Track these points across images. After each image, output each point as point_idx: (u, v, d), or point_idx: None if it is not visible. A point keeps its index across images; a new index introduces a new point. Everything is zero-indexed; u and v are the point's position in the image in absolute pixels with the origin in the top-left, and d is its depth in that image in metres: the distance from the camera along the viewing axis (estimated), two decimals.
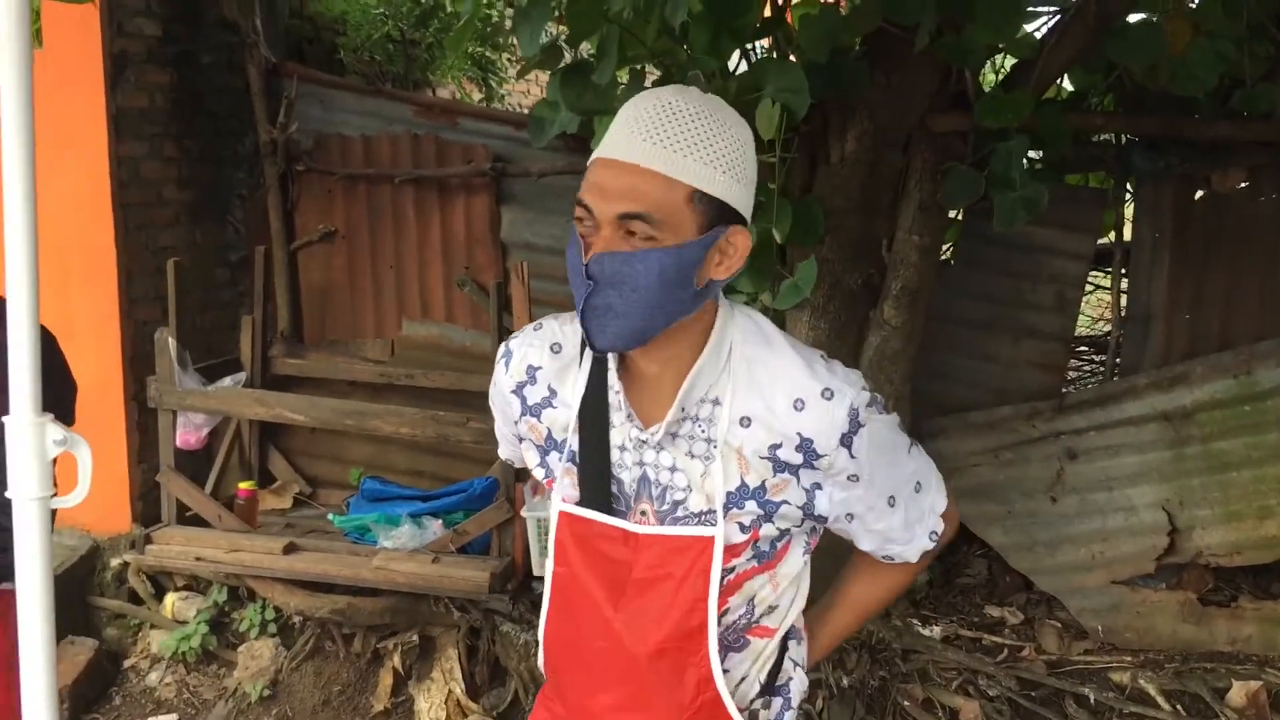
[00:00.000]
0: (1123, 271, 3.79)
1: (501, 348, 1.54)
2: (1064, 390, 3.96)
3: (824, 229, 3.34)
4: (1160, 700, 3.40)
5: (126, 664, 4.03)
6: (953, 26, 3.08)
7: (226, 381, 4.10)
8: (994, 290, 3.87)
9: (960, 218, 3.92)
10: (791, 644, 1.59)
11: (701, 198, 1.28)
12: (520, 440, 1.56)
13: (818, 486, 1.42)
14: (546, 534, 3.50)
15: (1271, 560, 3.60)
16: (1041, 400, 3.76)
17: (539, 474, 1.55)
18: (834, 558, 1.73)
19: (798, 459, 1.39)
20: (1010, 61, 3.88)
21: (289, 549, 3.73)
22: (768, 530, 1.43)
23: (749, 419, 1.39)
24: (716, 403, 1.40)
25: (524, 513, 3.51)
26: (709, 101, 1.32)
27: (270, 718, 3.77)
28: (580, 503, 1.45)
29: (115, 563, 4.14)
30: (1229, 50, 3.09)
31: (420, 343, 4.55)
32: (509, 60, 5.88)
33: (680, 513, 1.41)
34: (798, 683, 1.59)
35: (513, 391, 1.51)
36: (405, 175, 4.37)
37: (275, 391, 4.11)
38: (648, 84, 3.44)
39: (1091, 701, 3.40)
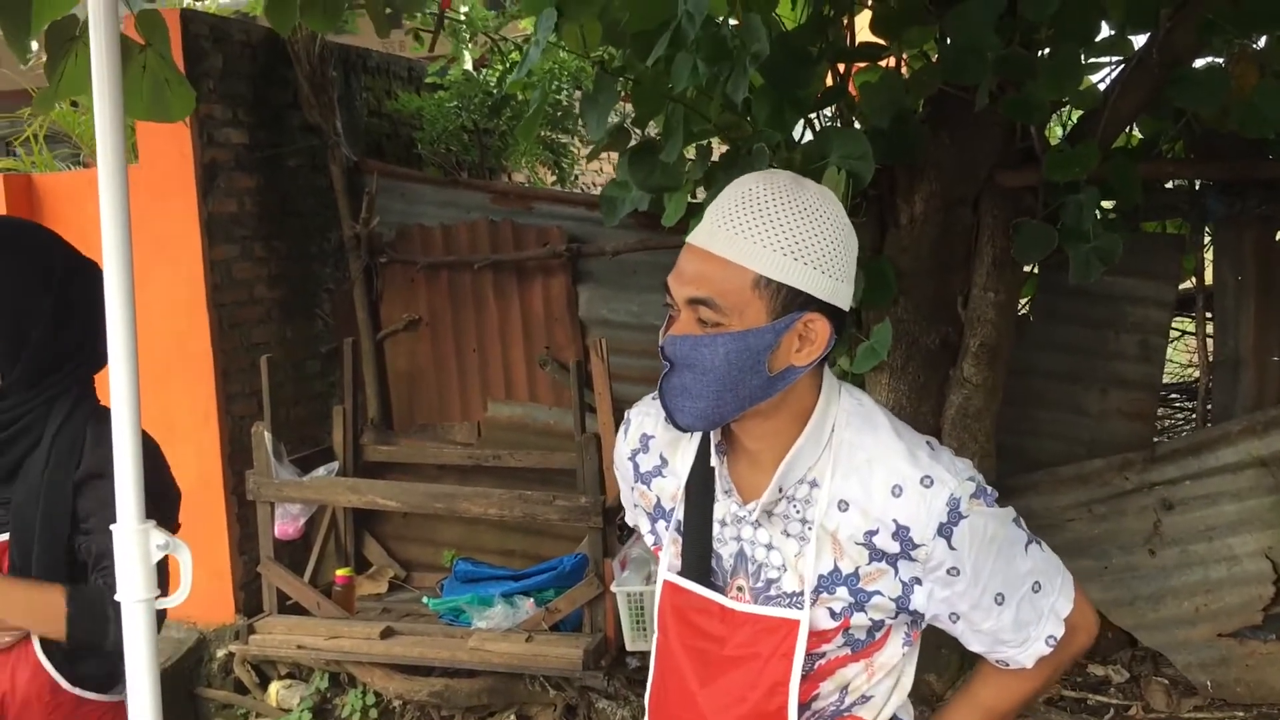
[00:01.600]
0: (1208, 316, 3.73)
1: (625, 417, 1.58)
2: (1155, 440, 3.88)
3: (896, 290, 3.35)
4: None
5: None
6: (1014, 84, 3.10)
7: (320, 471, 4.22)
8: (1077, 341, 3.84)
9: (1036, 271, 3.90)
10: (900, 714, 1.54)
11: (768, 284, 1.28)
12: (635, 506, 1.60)
13: (916, 582, 1.37)
14: (638, 608, 3.53)
15: None
16: (1133, 451, 3.69)
17: (649, 540, 1.58)
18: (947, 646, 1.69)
19: (894, 548, 1.36)
20: (1076, 114, 3.89)
21: (386, 633, 3.80)
22: (859, 619, 1.39)
23: (846, 503, 1.37)
24: (814, 484, 1.39)
25: (614, 588, 3.53)
26: (797, 187, 1.32)
27: None
28: (682, 573, 1.46)
29: (221, 654, 4.25)
30: None
31: (505, 423, 4.63)
32: (579, 142, 6.02)
33: (773, 591, 1.40)
34: None
35: (628, 460, 1.55)
36: (484, 261, 4.49)
37: (367, 479, 4.21)
38: (714, 158, 3.52)
39: None
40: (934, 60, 3.36)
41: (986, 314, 3.39)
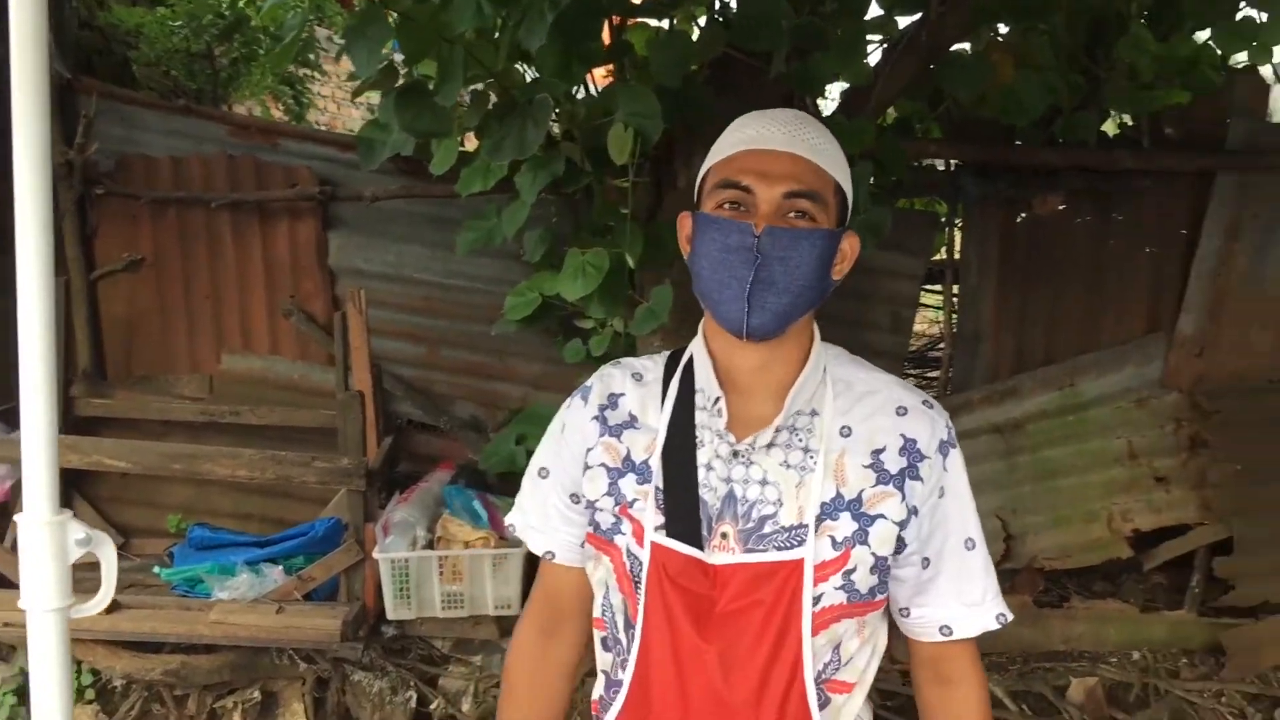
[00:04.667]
0: (954, 291, 3.95)
1: (578, 389, 1.54)
2: None
3: (674, 253, 3.33)
4: (1007, 701, 3.55)
5: None
6: (797, 54, 3.13)
7: None
8: (832, 311, 3.93)
9: None
10: (862, 702, 1.50)
11: (839, 192, 1.37)
12: (585, 470, 1.49)
13: (914, 512, 1.39)
14: (402, 575, 3.36)
15: (1098, 562, 3.83)
16: None
17: (607, 503, 1.46)
18: None
19: (901, 463, 1.39)
20: (841, 88, 4.00)
21: (112, 607, 3.41)
22: (861, 555, 1.37)
23: (849, 429, 1.41)
24: (814, 414, 1.41)
25: (376, 554, 3.34)
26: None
27: None
28: (666, 530, 1.40)
29: None
30: (1055, 81, 3.27)
31: (243, 377, 4.27)
32: (318, 76, 5.63)
33: (767, 529, 1.37)
34: None
35: (593, 419, 1.50)
36: (222, 199, 4.10)
37: (90, 437, 3.77)
38: (489, 107, 3.36)
39: None
40: (721, 22, 3.34)
41: None
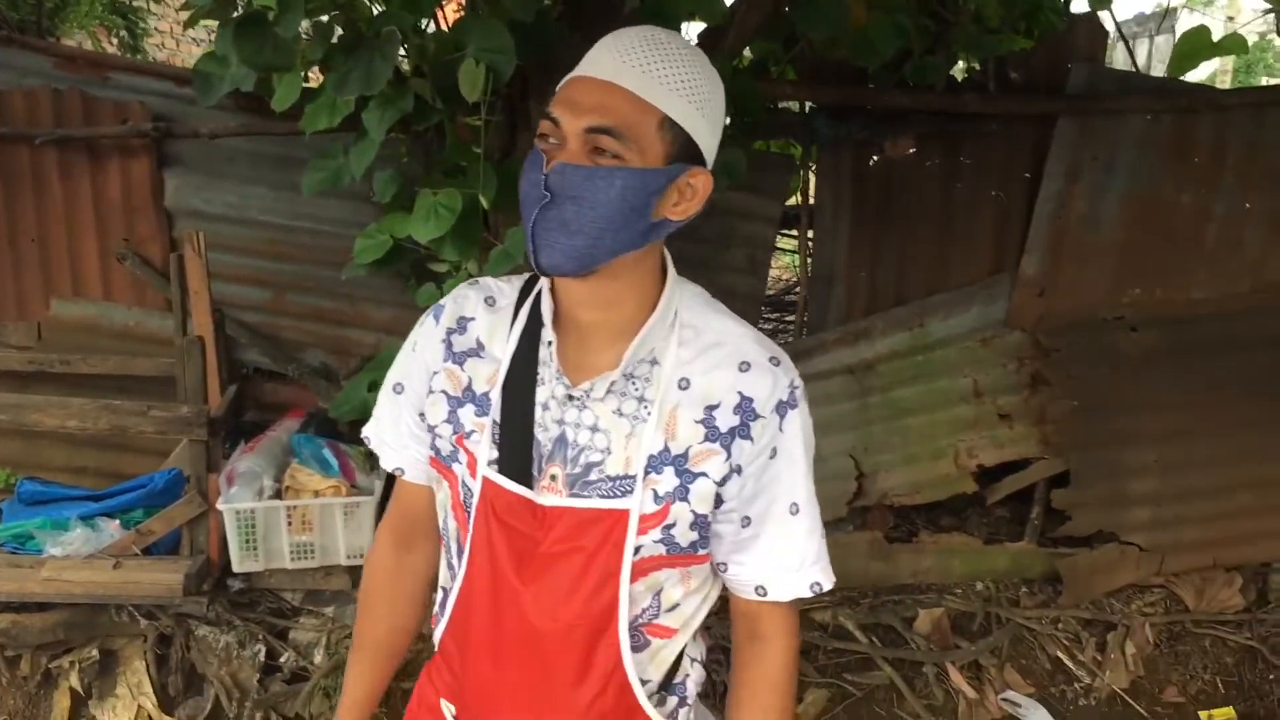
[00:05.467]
0: (808, 234, 3.98)
1: (433, 306, 1.49)
2: None
3: None
4: (858, 634, 3.64)
5: None
6: None
7: None
8: (687, 254, 3.91)
9: None
10: (689, 642, 1.52)
11: (671, 126, 1.26)
12: (429, 394, 1.46)
13: (738, 471, 1.37)
14: (248, 526, 3.25)
15: (945, 497, 3.94)
16: None
17: (445, 430, 1.44)
18: None
19: (734, 421, 1.35)
20: (697, 28, 3.98)
21: None
22: (680, 511, 1.35)
23: (688, 380, 1.36)
24: (654, 362, 1.37)
25: (221, 505, 3.21)
26: (687, 43, 1.32)
27: None
28: (498, 466, 1.38)
29: None
30: (906, 24, 3.30)
31: (74, 324, 4.04)
32: (152, 7, 5.33)
33: (593, 476, 1.35)
34: (695, 677, 1.55)
35: (441, 341, 1.45)
36: (47, 135, 3.85)
37: None
38: (334, 40, 3.23)
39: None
40: None
41: None
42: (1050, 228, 3.78)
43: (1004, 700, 3.54)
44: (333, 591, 3.50)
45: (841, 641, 3.61)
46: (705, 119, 1.29)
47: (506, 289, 1.47)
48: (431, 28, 3.28)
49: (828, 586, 1.47)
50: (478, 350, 1.44)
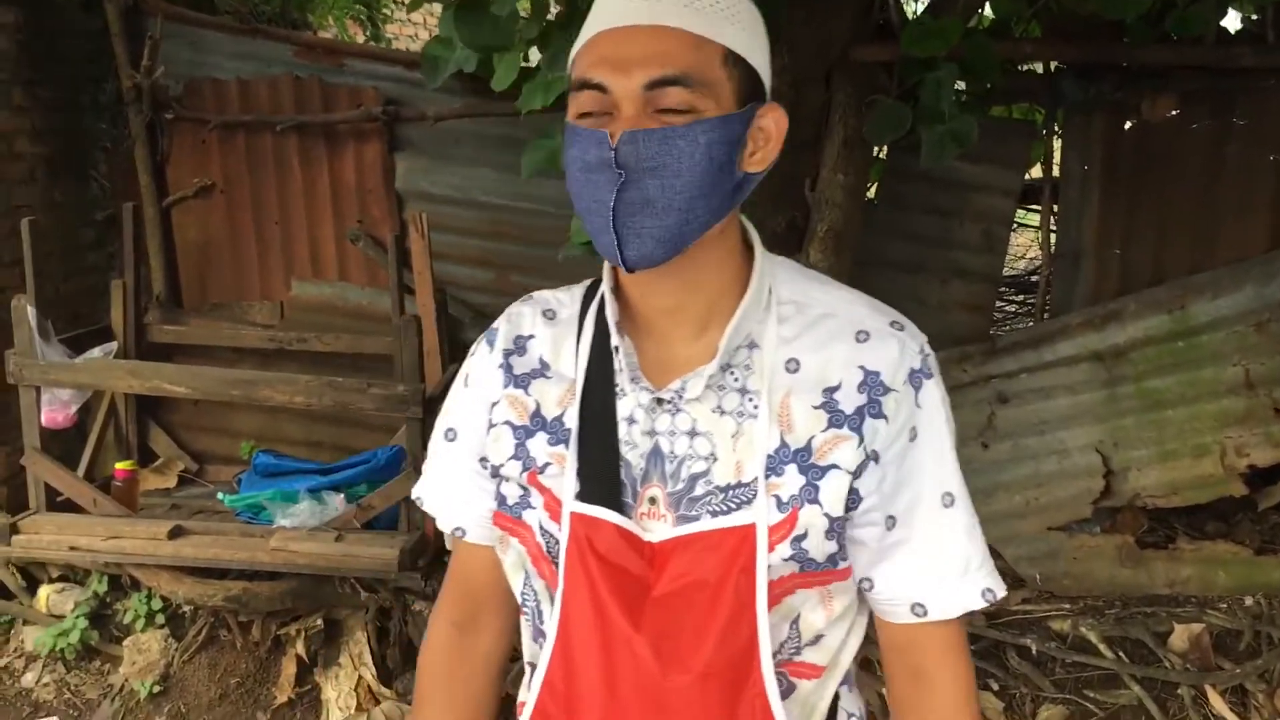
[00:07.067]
0: (1053, 207, 3.66)
1: (484, 333, 1.28)
2: (994, 332, 3.83)
3: None
4: (1102, 648, 3.30)
5: None
6: None
7: (96, 353, 3.72)
8: (920, 230, 3.71)
9: (884, 155, 3.75)
10: (843, 691, 1.24)
11: (736, 61, 1.06)
12: (489, 429, 1.23)
13: (874, 458, 1.11)
14: None
15: (1208, 500, 3.52)
16: (971, 344, 3.61)
17: (512, 469, 1.20)
18: None
19: (860, 400, 1.11)
20: None
21: (175, 533, 3.41)
22: (810, 516, 1.10)
23: (797, 362, 1.13)
24: (753, 346, 1.14)
25: None
26: None
27: (162, 715, 3.47)
28: (582, 497, 1.13)
29: None
30: None
31: (312, 304, 4.22)
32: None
33: (699, 490, 1.11)
34: None
35: (498, 367, 1.24)
36: (288, 122, 4.02)
37: (152, 362, 3.75)
38: (550, 17, 3.18)
39: (1034, 652, 3.30)
40: None
41: (835, 197, 3.22)
42: None
43: None
44: None
45: (1082, 655, 3.29)
46: (759, 43, 1.09)
47: (566, 299, 1.26)
48: None
49: (1001, 594, 1.19)
50: (542, 370, 1.22)
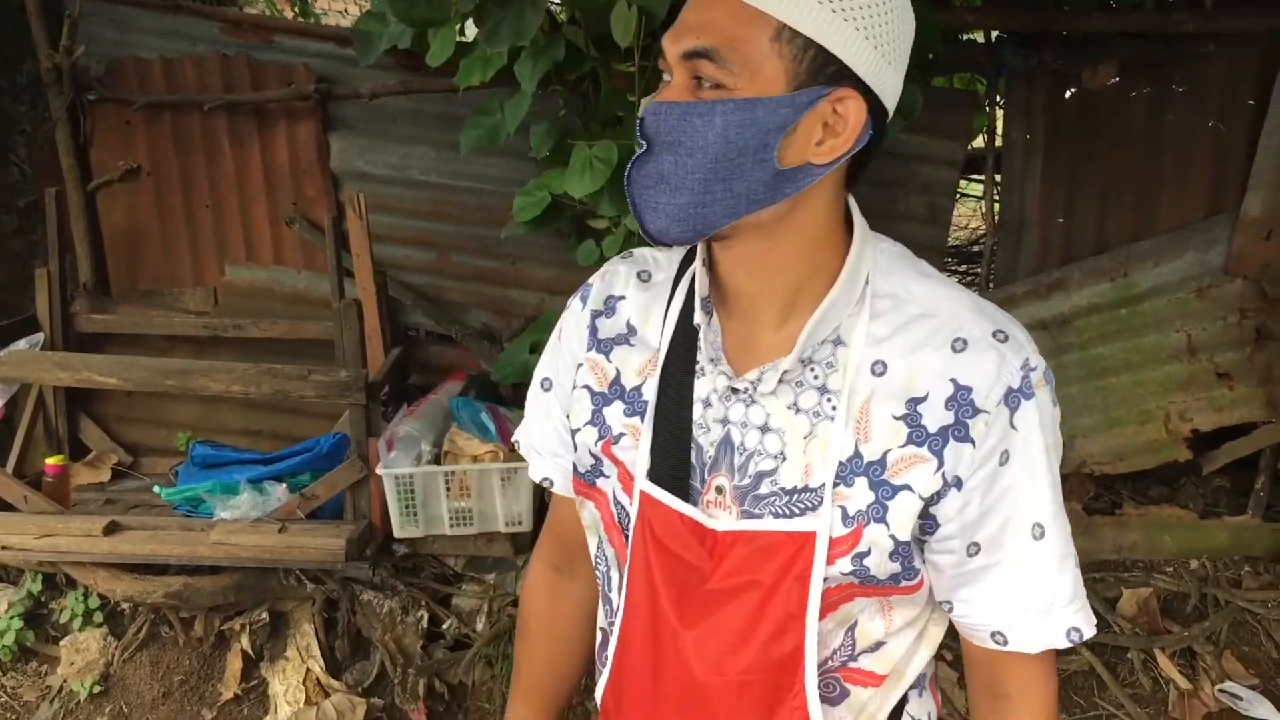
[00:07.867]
0: (995, 177, 3.65)
1: (580, 288, 1.25)
2: None
3: None
4: None
5: None
6: None
7: (21, 344, 3.59)
8: (864, 201, 3.66)
9: None
10: (912, 695, 1.20)
11: (794, 38, 0.96)
12: (573, 389, 1.22)
13: (955, 484, 1.04)
14: (407, 492, 3.20)
15: (1153, 466, 3.56)
16: None
17: (588, 436, 1.19)
18: None
19: (946, 419, 1.02)
20: None
21: (110, 529, 3.29)
22: (875, 535, 1.04)
23: (884, 365, 1.05)
24: (839, 343, 1.07)
25: (380, 470, 3.17)
26: None
27: (104, 716, 3.37)
28: (651, 476, 1.11)
29: None
30: None
31: (247, 289, 4.11)
32: None
33: (764, 489, 1.07)
34: None
35: (587, 326, 1.21)
36: (216, 101, 3.89)
37: (80, 353, 3.62)
38: None
39: None
40: None
41: None
42: (1278, 161, 3.34)
43: (1221, 691, 3.17)
44: (494, 558, 3.42)
45: None
46: (851, 23, 0.96)
47: (664, 260, 1.21)
48: None
49: (1089, 634, 1.11)
50: (627, 336, 1.18)
